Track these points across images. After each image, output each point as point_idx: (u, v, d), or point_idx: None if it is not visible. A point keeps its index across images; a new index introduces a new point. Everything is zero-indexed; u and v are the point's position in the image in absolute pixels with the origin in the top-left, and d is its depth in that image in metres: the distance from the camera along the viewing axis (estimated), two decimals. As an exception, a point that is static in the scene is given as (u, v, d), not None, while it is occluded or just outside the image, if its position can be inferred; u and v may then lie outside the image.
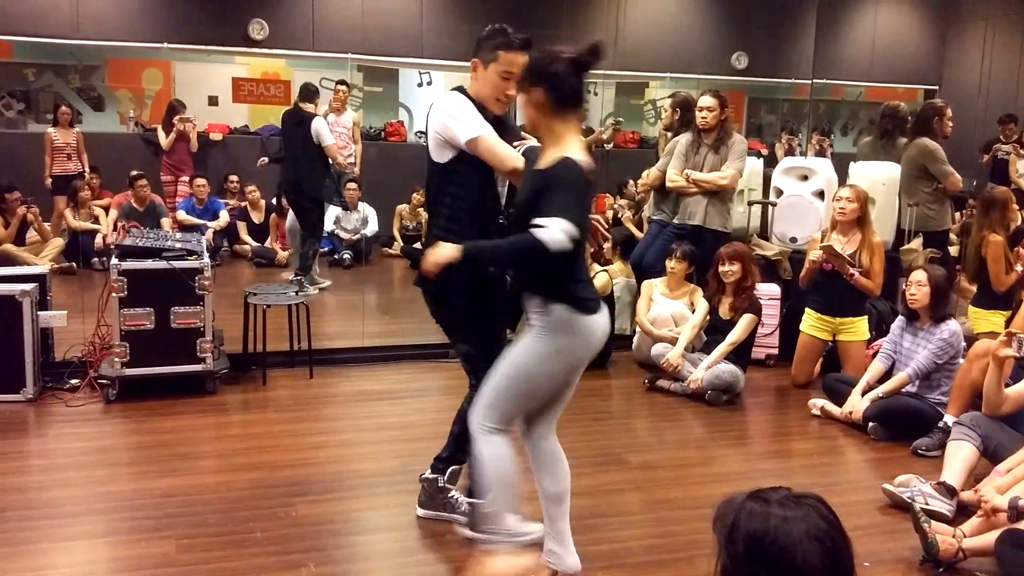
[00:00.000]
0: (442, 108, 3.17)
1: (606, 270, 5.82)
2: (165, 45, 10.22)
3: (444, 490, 3.49)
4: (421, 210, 9.58)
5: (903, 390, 4.67)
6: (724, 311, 5.29)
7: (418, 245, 9.48)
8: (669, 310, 5.62)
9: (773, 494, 1.43)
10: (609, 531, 3.47)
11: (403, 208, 9.78)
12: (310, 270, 7.58)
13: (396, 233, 9.75)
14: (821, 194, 6.11)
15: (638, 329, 5.84)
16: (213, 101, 11.02)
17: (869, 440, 4.63)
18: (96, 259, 8.22)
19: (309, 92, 7.80)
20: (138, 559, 3.10)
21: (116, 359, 4.73)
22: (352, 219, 9.25)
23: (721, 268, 5.27)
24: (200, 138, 9.53)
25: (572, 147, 2.76)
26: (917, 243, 6.23)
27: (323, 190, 7.74)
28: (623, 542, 3.40)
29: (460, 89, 3.27)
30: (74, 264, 8.15)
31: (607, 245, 6.40)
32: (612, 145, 11.05)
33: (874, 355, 5.07)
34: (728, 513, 1.43)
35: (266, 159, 8.79)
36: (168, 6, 10.29)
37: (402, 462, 4.03)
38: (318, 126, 7.52)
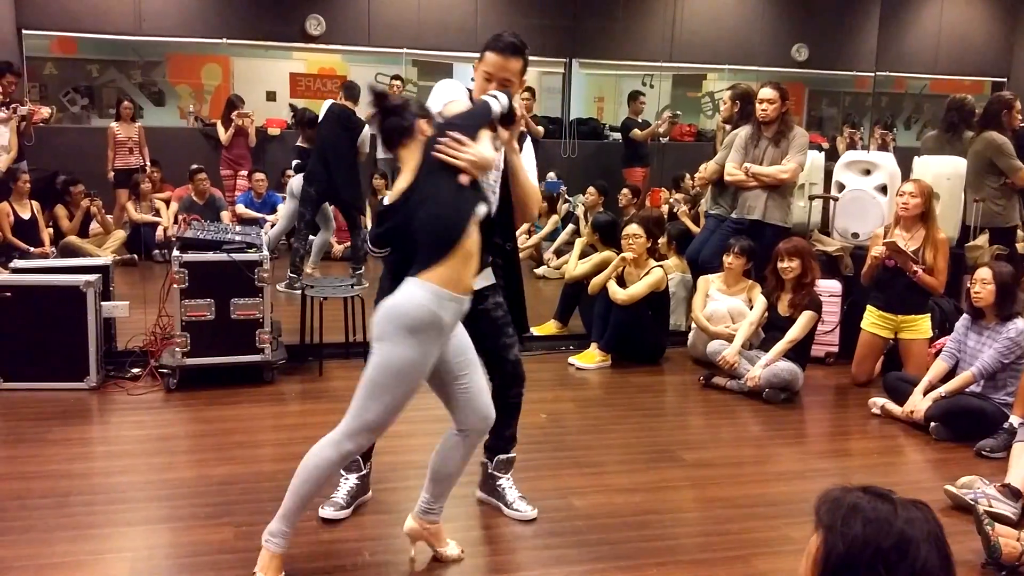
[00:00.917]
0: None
1: (661, 265, 5.77)
2: (224, 41, 10.39)
3: (492, 477, 3.53)
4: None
5: (967, 390, 4.56)
6: (783, 308, 5.21)
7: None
8: (726, 306, 5.55)
9: (887, 492, 1.42)
10: (662, 528, 3.44)
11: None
12: (364, 262, 7.63)
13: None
14: (884, 189, 5.98)
15: (693, 325, 5.78)
16: (271, 96, 11.18)
17: (931, 440, 4.52)
18: (157, 251, 8.40)
19: (356, 92, 7.63)
20: (197, 545, 3.15)
21: (177, 349, 4.82)
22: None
23: (780, 264, 5.18)
24: (258, 133, 9.67)
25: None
26: (983, 240, 6.06)
27: (355, 190, 7.69)
28: (677, 539, 3.37)
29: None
30: (136, 256, 8.32)
31: (662, 240, 6.35)
32: (668, 139, 10.96)
33: (937, 354, 4.95)
34: (840, 501, 1.41)
35: (292, 172, 8.28)
36: (227, 2, 10.46)
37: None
38: (367, 137, 7.48)
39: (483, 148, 2.81)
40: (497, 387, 3.37)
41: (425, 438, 3.91)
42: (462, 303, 2.78)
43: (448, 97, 3.08)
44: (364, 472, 3.50)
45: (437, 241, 2.73)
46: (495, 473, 3.52)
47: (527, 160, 3.29)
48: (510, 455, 3.54)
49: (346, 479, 3.47)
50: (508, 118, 2.99)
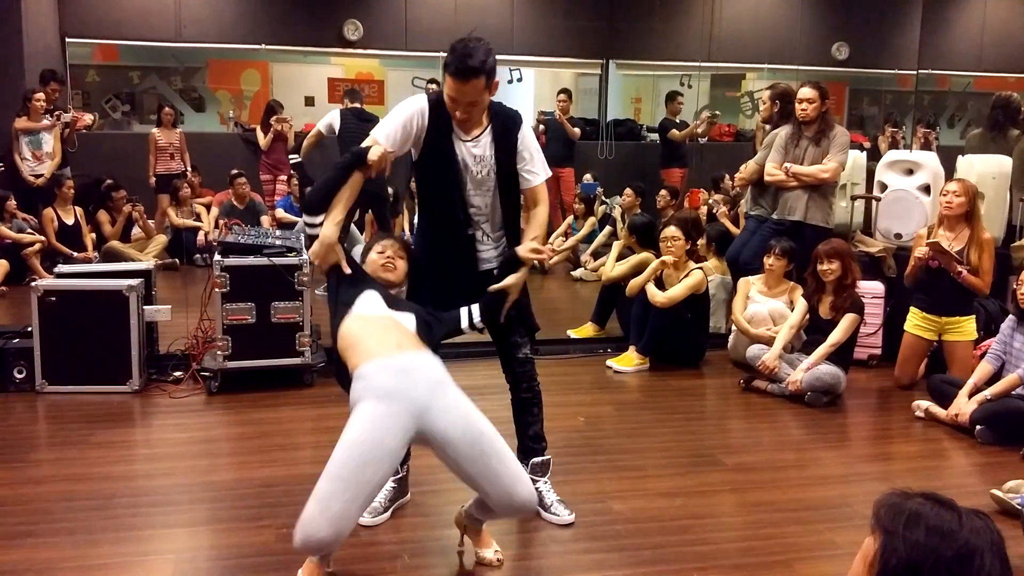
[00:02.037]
0: None
1: (701, 267, 5.72)
2: (263, 47, 10.51)
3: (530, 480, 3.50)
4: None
5: (1013, 392, 4.47)
6: (824, 310, 5.14)
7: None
8: (767, 308, 5.48)
9: (949, 501, 1.39)
10: (703, 532, 3.41)
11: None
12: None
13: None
14: (927, 189, 5.89)
15: (733, 328, 5.72)
16: (309, 101, 11.28)
17: (976, 444, 4.43)
18: (198, 255, 8.51)
19: (360, 95, 7.83)
20: (238, 547, 3.17)
21: (218, 352, 4.88)
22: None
23: (820, 267, 5.11)
24: (297, 138, 9.76)
25: None
26: (1030, 239, 5.95)
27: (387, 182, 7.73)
28: (717, 543, 3.33)
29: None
30: (177, 260, 8.45)
31: (701, 241, 6.30)
32: (707, 139, 10.88)
33: (982, 356, 4.86)
34: (902, 506, 1.38)
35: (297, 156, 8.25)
36: (265, 9, 10.57)
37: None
38: None
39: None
40: (511, 385, 3.50)
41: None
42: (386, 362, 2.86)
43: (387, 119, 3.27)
44: (401, 475, 3.51)
45: None
46: (532, 477, 3.51)
47: (533, 150, 3.35)
48: (544, 458, 3.53)
49: None
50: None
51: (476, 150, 3.26)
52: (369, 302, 3.05)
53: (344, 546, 3.18)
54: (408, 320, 3.05)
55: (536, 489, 3.47)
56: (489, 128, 3.27)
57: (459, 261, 3.38)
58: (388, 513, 3.44)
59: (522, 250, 3.30)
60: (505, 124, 3.29)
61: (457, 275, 3.39)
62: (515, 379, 3.50)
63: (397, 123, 3.22)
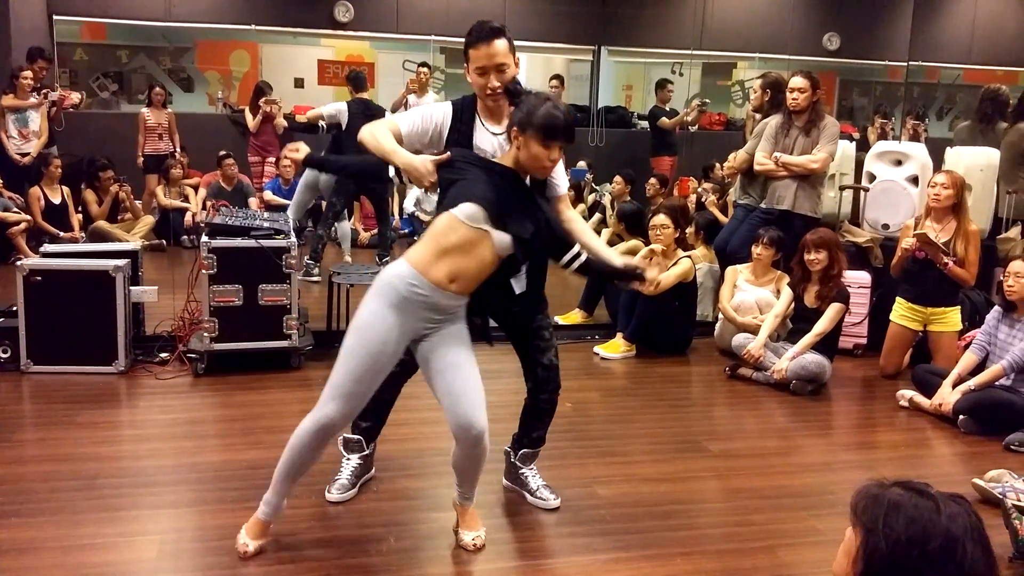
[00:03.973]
0: None
1: (689, 255, 5.73)
2: (252, 27, 10.43)
3: (515, 467, 3.54)
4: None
5: (996, 383, 4.50)
6: (810, 300, 5.16)
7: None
8: (754, 297, 5.51)
9: (926, 487, 1.38)
10: (687, 518, 3.43)
11: (483, 190, 9.79)
12: (390, 250, 7.65)
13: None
14: (915, 180, 5.91)
15: (720, 316, 5.74)
16: (299, 83, 11.22)
17: (959, 434, 4.47)
18: (185, 236, 8.47)
19: (363, 82, 7.80)
20: (224, 528, 3.17)
21: (205, 334, 4.86)
22: (432, 200, 9.28)
23: (807, 256, 5.13)
24: (286, 119, 9.71)
25: None
26: (1015, 232, 5.99)
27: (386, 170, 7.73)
28: (701, 529, 3.36)
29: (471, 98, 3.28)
30: (164, 241, 8.40)
31: (690, 230, 6.31)
32: (697, 127, 10.88)
33: (966, 346, 4.90)
34: (880, 498, 1.38)
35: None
36: (256, -11, 10.49)
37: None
38: None
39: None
40: (530, 389, 3.42)
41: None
42: (425, 291, 2.79)
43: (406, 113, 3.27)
44: (367, 452, 3.51)
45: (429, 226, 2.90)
46: (517, 463, 3.53)
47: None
48: (535, 451, 3.54)
49: (348, 460, 3.50)
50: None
51: (507, 143, 3.13)
52: (469, 211, 2.80)
53: (332, 527, 3.20)
54: (503, 241, 2.82)
55: (522, 474, 3.50)
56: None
57: None
58: (355, 490, 3.45)
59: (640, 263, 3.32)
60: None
61: None
62: (537, 385, 3.41)
63: (417, 114, 3.23)
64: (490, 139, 3.20)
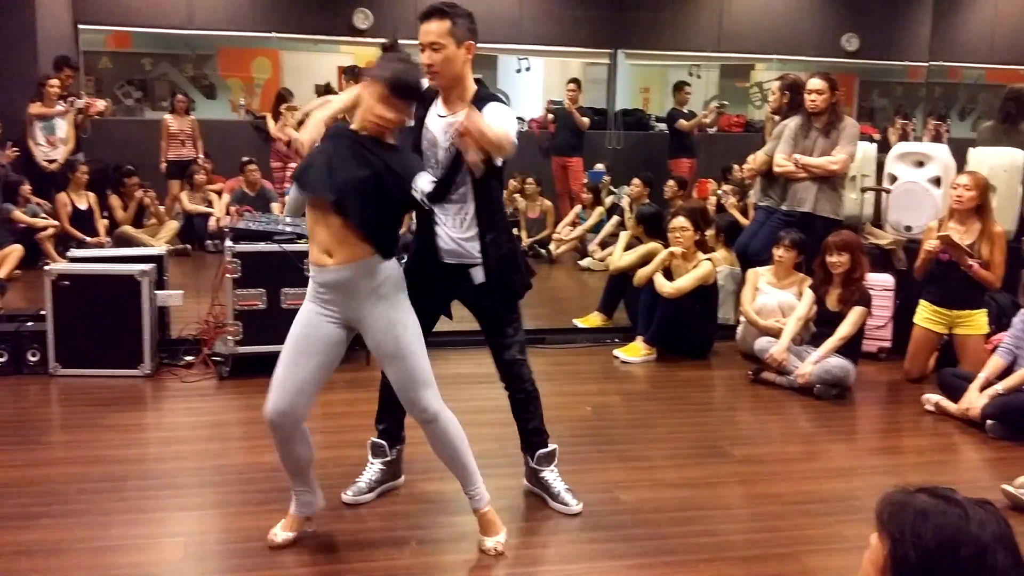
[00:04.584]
0: None
1: (709, 258, 5.72)
2: (273, 35, 10.50)
3: (535, 470, 3.53)
4: (518, 196, 9.60)
5: (1025, 387, 4.46)
6: (832, 303, 5.13)
7: (515, 231, 9.52)
8: (777, 300, 5.48)
9: (952, 493, 1.37)
10: (711, 524, 3.42)
11: (501, 194, 9.79)
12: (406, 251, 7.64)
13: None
14: (938, 181, 5.87)
15: (742, 319, 5.72)
16: (322, 90, 11.24)
17: (987, 439, 4.42)
18: (209, 241, 8.54)
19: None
20: (248, 530, 3.20)
21: (229, 337, 4.90)
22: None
23: (829, 259, 5.10)
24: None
25: None
26: (1041, 233, 5.92)
27: None
28: (725, 535, 3.34)
29: None
30: (189, 246, 8.48)
31: (710, 232, 6.30)
32: (716, 129, 10.85)
33: (993, 350, 4.84)
34: (906, 506, 1.36)
35: None
36: (277, -4, 10.57)
37: (500, 445, 4.04)
38: None
39: None
40: (503, 384, 3.46)
41: (471, 428, 3.92)
42: (316, 274, 2.97)
43: None
44: (390, 458, 3.52)
45: None
46: (536, 467, 3.52)
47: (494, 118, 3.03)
48: (548, 448, 3.51)
49: (371, 464, 3.51)
50: None
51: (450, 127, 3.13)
52: (302, 184, 2.92)
53: (354, 530, 3.21)
54: (353, 204, 2.85)
55: (543, 478, 3.49)
56: (470, 107, 3.09)
57: (421, 243, 3.31)
58: (373, 494, 3.46)
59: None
60: (481, 104, 3.09)
61: (419, 263, 3.31)
62: (504, 380, 3.45)
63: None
64: (438, 121, 3.21)
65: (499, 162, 3.16)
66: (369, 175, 2.85)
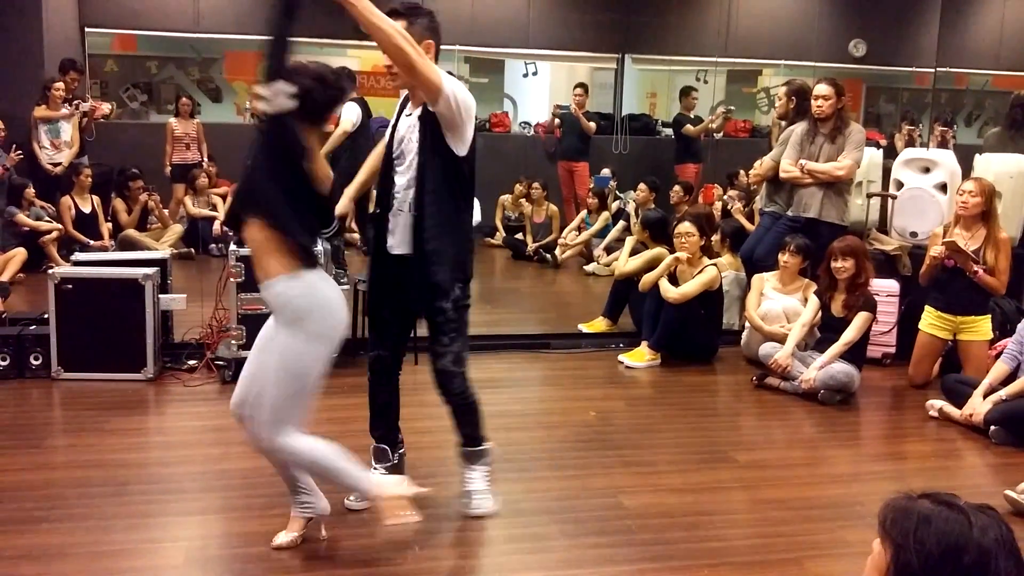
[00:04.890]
0: None
1: (715, 263, 5.71)
2: (280, 38, 10.47)
3: (461, 465, 3.52)
4: (524, 200, 9.60)
5: (1029, 393, 4.44)
6: (837, 308, 5.11)
7: (520, 236, 9.52)
8: (782, 305, 5.46)
9: (954, 499, 1.36)
10: (714, 529, 3.41)
11: (506, 199, 9.81)
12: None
13: (498, 223, 9.78)
14: (944, 187, 5.85)
15: (747, 324, 5.71)
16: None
17: (990, 444, 4.41)
18: (213, 245, 8.54)
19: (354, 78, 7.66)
20: (251, 535, 3.19)
21: (233, 341, 4.90)
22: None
23: (833, 264, 5.09)
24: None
25: None
26: (1048, 240, 5.90)
27: None
28: (728, 540, 3.33)
29: None
30: (192, 250, 8.47)
31: (716, 237, 6.28)
32: (722, 134, 10.84)
33: (997, 356, 4.83)
34: (909, 512, 1.36)
35: None
36: (283, 0, 10.57)
37: (504, 450, 4.03)
38: None
39: None
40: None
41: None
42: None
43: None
44: (392, 463, 3.52)
45: None
46: (461, 462, 3.49)
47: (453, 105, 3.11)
48: (473, 449, 3.46)
49: (374, 469, 3.50)
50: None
51: (413, 123, 3.21)
52: None
53: (357, 535, 3.20)
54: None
55: (463, 475, 3.48)
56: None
57: (375, 242, 3.40)
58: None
59: None
60: None
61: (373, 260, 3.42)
62: (437, 386, 3.40)
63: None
64: (404, 120, 3.27)
65: (459, 151, 3.16)
66: (257, 161, 2.91)
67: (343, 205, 3.38)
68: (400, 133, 3.27)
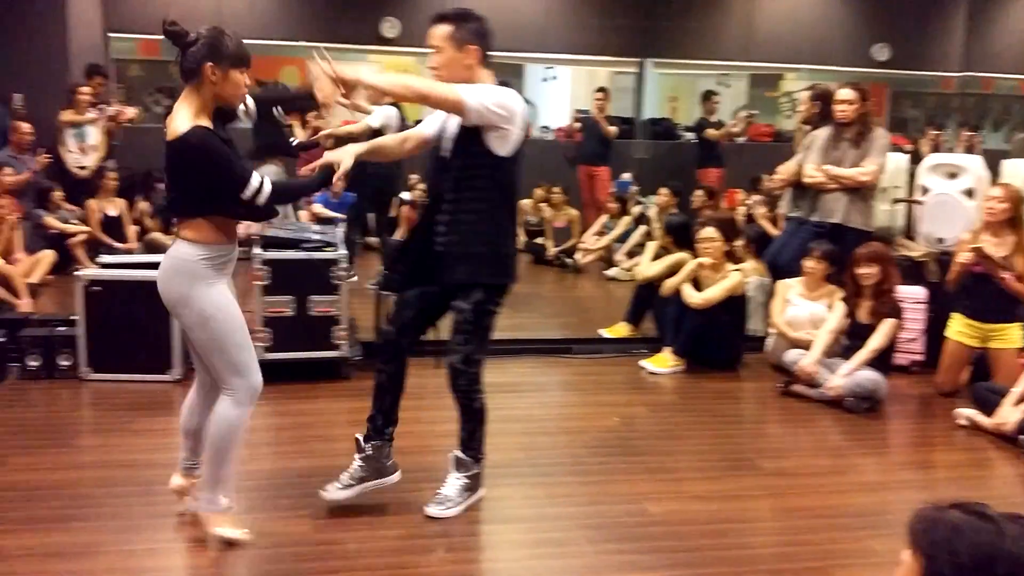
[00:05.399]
0: None
1: (739, 268, 5.68)
2: (301, 43, 10.56)
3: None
4: (544, 205, 9.58)
5: (1060, 402, 4.39)
6: (862, 315, 5.07)
7: (540, 240, 9.51)
8: (808, 312, 5.42)
9: (985, 509, 1.35)
10: (739, 537, 3.39)
11: (526, 203, 9.78)
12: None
13: (519, 228, 9.77)
14: (971, 193, 5.79)
15: (772, 330, 5.67)
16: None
17: (1021, 454, 4.34)
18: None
19: None
20: (277, 536, 3.21)
21: (258, 344, 4.91)
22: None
23: (858, 270, 5.05)
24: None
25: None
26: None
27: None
28: (754, 548, 3.32)
29: None
30: (216, 253, 8.49)
31: (739, 243, 6.25)
32: (745, 138, 10.79)
33: (1028, 364, 4.78)
34: (939, 522, 1.34)
35: None
36: (305, 5, 10.66)
37: (526, 454, 4.05)
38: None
39: None
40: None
41: (496, 437, 3.91)
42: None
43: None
44: (367, 453, 3.47)
45: None
46: (449, 463, 3.49)
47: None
48: (462, 456, 3.46)
49: (357, 459, 3.49)
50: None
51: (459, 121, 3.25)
52: None
53: (380, 537, 3.21)
54: None
55: (446, 477, 3.46)
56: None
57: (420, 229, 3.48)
58: (349, 491, 3.38)
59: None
60: None
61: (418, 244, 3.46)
62: (447, 380, 3.42)
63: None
64: (453, 119, 3.30)
65: (500, 151, 3.21)
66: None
67: (342, 159, 3.37)
68: (449, 132, 3.32)
